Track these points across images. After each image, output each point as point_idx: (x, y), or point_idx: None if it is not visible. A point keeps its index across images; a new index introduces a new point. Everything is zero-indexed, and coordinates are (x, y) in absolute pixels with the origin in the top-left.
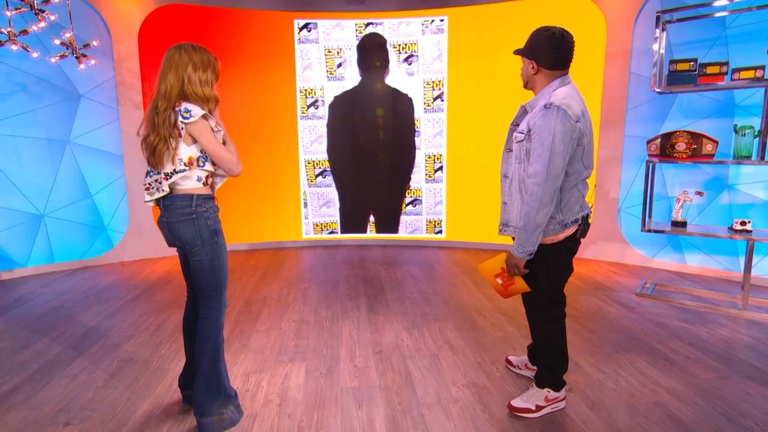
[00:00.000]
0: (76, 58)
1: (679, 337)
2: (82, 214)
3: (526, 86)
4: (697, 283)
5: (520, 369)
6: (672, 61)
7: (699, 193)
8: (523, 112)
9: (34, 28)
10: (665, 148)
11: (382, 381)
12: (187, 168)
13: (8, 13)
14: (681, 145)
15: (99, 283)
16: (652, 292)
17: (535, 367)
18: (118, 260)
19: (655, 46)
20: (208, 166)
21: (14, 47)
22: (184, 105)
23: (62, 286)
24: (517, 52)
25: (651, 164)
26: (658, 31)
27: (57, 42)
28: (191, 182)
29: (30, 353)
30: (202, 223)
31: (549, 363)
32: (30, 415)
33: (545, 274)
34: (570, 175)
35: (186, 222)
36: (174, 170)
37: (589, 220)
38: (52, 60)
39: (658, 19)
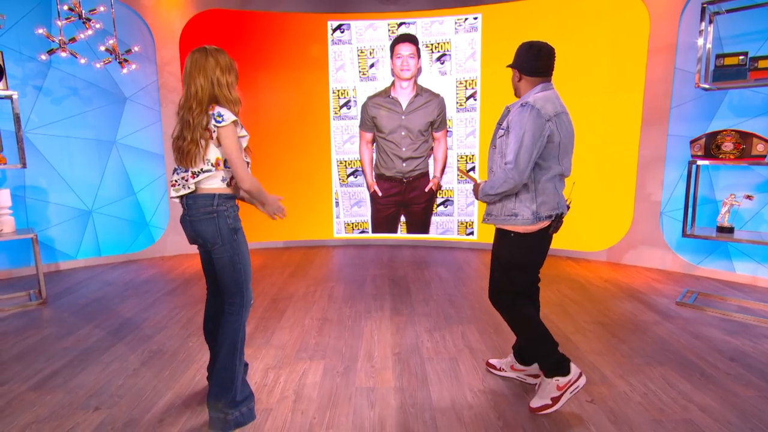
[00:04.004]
0: (119, 63)
1: (720, 350)
2: (126, 211)
3: (515, 94)
4: (746, 294)
5: (505, 371)
6: (719, 56)
7: (748, 197)
8: (507, 112)
9: (82, 36)
10: (710, 149)
11: (398, 383)
12: (213, 168)
13: (59, 23)
14: (728, 146)
15: (139, 276)
16: (693, 301)
17: (523, 367)
18: (159, 255)
19: (700, 41)
20: None
21: (63, 54)
22: (218, 109)
23: (107, 278)
24: (508, 66)
25: (694, 166)
26: (703, 23)
27: (102, 48)
28: (216, 182)
29: (72, 340)
30: (222, 222)
31: (538, 347)
32: (65, 398)
33: (508, 261)
34: (543, 168)
35: (207, 220)
36: (201, 169)
37: (563, 219)
38: (97, 65)
39: (703, 10)
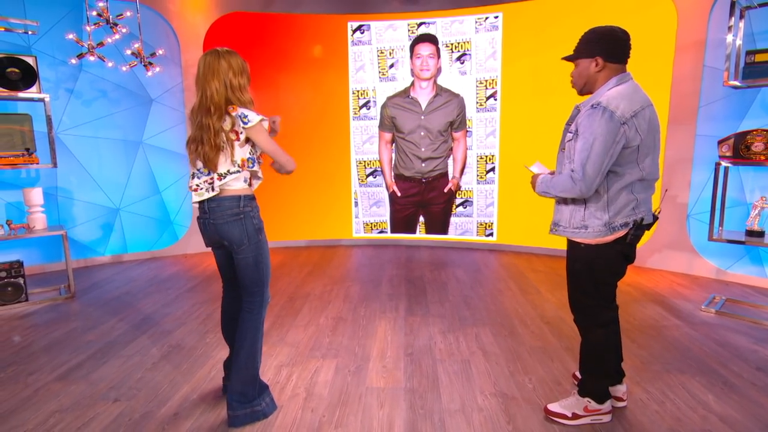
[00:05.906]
0: (144, 66)
1: (746, 359)
2: (151, 209)
3: (582, 91)
4: None
5: None
6: (749, 52)
7: None
8: (576, 112)
9: (109, 40)
10: (739, 149)
11: (409, 383)
12: (240, 170)
13: (88, 28)
14: (758, 146)
15: (163, 272)
16: (720, 307)
17: (615, 386)
18: (182, 252)
19: (729, 37)
20: (255, 167)
21: (92, 58)
22: (241, 110)
23: (132, 274)
24: (570, 58)
25: (722, 167)
26: (733, 19)
27: (128, 52)
28: (239, 183)
29: (96, 333)
30: (249, 223)
31: (592, 370)
32: (87, 389)
33: (591, 278)
34: (620, 175)
35: (234, 222)
36: (228, 171)
37: (654, 225)
38: (123, 68)
39: (733, 5)
